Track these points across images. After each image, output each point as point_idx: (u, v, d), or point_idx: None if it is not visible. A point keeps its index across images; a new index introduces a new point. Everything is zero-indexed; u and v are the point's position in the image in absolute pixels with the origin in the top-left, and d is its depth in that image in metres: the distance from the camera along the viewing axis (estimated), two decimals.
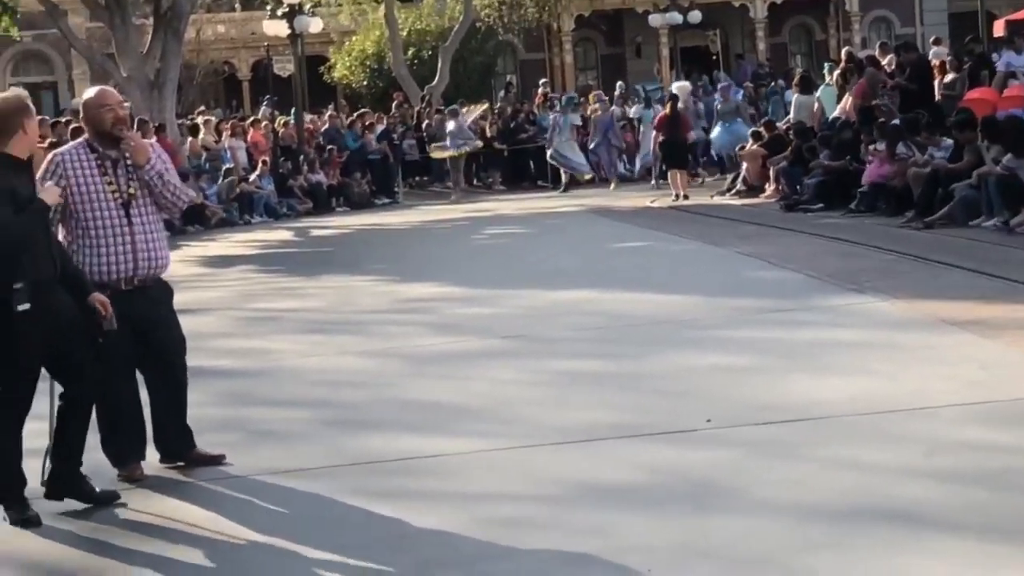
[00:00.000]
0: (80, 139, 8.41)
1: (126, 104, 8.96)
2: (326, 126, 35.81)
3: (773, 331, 11.89)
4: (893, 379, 9.49)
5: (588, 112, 35.43)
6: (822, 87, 27.82)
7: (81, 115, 8.46)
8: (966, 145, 19.49)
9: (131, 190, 8.24)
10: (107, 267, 8.17)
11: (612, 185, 32.45)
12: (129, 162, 8.26)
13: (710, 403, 9.11)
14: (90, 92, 8.49)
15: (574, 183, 33.05)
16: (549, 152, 33.34)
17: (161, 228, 8.58)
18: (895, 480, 7.18)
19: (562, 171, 33.41)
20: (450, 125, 33.64)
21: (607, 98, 36.40)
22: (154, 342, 8.38)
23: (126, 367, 8.25)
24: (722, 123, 31.68)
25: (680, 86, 33.90)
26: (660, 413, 9.04)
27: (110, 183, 8.21)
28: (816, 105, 26.81)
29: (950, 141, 20.19)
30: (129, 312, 8.02)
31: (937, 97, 23.67)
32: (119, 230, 8.19)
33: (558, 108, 34.38)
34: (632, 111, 36.67)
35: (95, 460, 8.14)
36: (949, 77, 24.01)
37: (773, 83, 38.80)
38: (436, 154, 34.67)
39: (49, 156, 8.31)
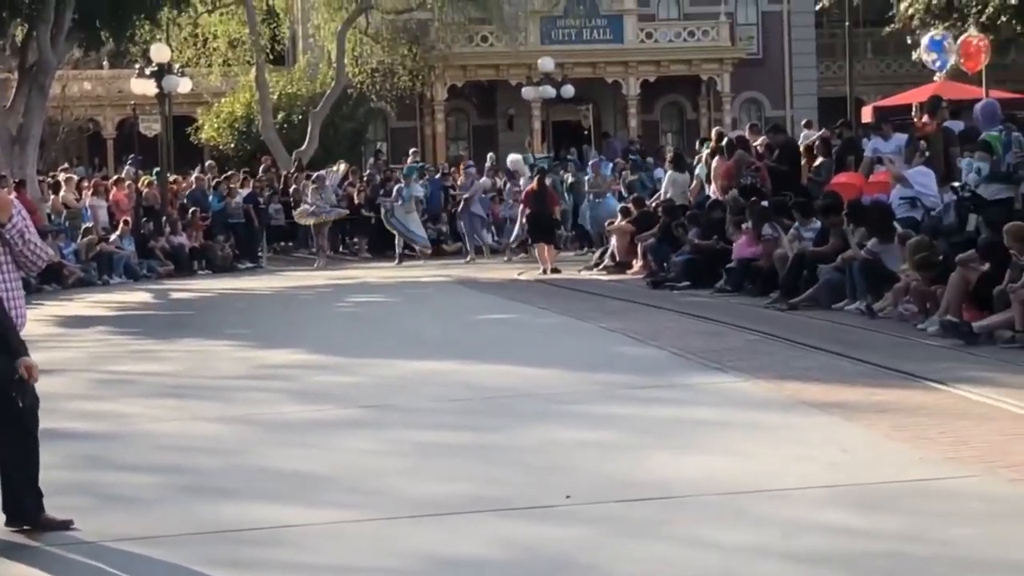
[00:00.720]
0: None
1: None
2: (192, 188, 35.45)
3: (636, 408, 11.85)
4: (753, 459, 9.46)
5: (457, 181, 35.46)
6: (700, 165, 28.06)
7: None
8: (832, 228, 19.73)
9: None
10: None
11: (468, 257, 32.33)
12: None
13: (571, 478, 9.01)
14: None
15: (408, 256, 32.78)
16: (387, 218, 32.96)
17: (20, 286, 8.34)
18: (753, 561, 7.13)
19: (397, 242, 33.10)
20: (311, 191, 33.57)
21: (475, 168, 36.40)
22: (7, 400, 8.10)
23: None
24: (591, 197, 31.82)
25: (513, 159, 34.01)
26: (520, 487, 8.93)
27: None
28: (696, 182, 27.01)
29: (818, 223, 20.43)
30: None
31: (804, 180, 24.00)
32: None
33: (400, 177, 34.16)
34: (501, 183, 36.74)
35: None
36: (819, 161, 24.32)
37: (642, 159, 39.12)
38: (302, 220, 34.43)
39: None
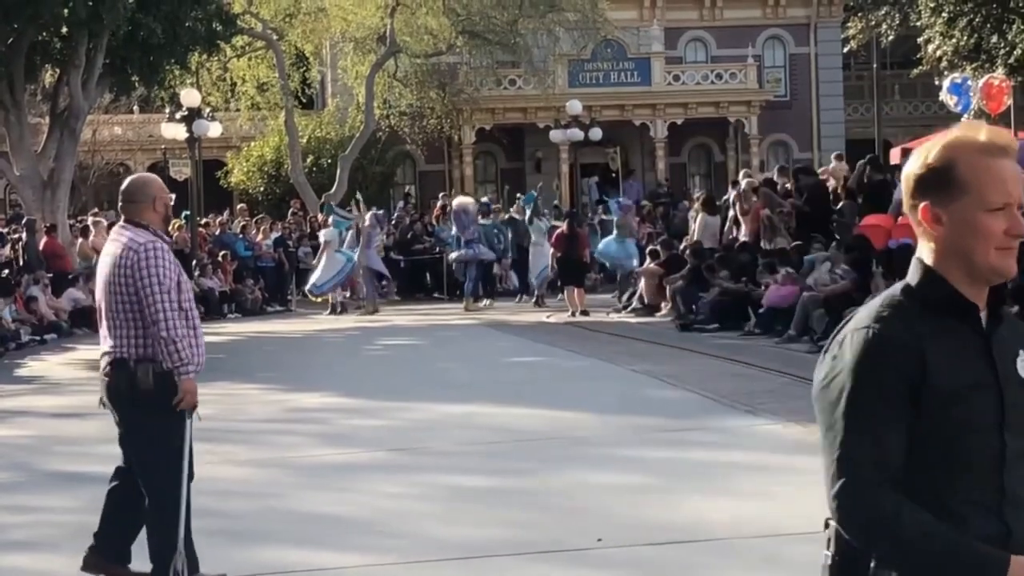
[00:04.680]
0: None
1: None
2: (218, 231, 35.58)
3: (666, 451, 11.84)
4: (785, 502, 9.44)
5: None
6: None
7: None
8: (858, 269, 19.74)
9: None
10: None
11: (465, 304, 31.19)
12: None
13: (601, 522, 9.01)
14: None
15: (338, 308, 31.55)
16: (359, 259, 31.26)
17: None
18: None
19: (333, 295, 31.78)
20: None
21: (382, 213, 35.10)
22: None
23: None
24: (616, 236, 31.61)
25: (460, 202, 32.98)
26: (549, 530, 8.92)
27: None
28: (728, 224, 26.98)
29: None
30: None
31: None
32: None
33: (368, 220, 32.01)
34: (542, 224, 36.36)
35: None
36: (842, 203, 24.34)
37: (671, 200, 39.04)
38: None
39: None
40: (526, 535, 8.84)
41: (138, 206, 7.72)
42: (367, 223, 31.45)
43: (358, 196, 34.50)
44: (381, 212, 34.53)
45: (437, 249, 35.22)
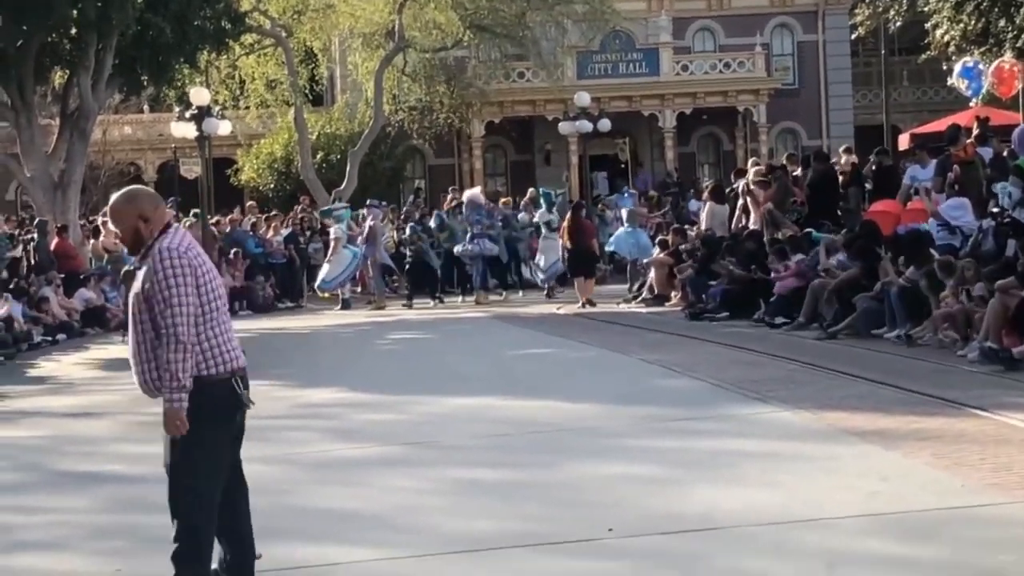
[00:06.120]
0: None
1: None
2: (228, 228, 35.62)
3: (677, 440, 11.85)
4: (795, 489, 9.46)
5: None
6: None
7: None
8: (866, 256, 19.71)
9: None
10: None
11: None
12: None
13: (613, 512, 9.03)
14: None
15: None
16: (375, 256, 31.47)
17: None
18: None
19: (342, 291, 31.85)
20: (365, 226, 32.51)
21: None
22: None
23: None
24: (628, 226, 31.54)
25: (471, 194, 33.07)
26: (561, 522, 8.94)
27: None
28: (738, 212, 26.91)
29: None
30: None
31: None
32: None
33: (370, 215, 31.89)
34: (536, 216, 36.47)
35: None
36: (849, 189, 24.35)
37: (680, 190, 39.04)
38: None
39: None
40: (537, 527, 8.86)
41: None
42: (370, 220, 31.48)
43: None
44: (377, 201, 34.32)
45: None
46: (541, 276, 31.27)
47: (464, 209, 32.38)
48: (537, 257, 31.39)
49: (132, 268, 7.07)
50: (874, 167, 24.90)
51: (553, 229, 30.95)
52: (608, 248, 31.66)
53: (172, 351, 6.76)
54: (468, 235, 31.46)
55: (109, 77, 32.40)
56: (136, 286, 6.98)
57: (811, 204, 24.28)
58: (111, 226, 7.28)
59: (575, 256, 28.69)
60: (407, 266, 32.35)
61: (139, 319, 6.94)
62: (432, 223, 33.81)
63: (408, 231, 32.86)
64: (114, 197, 7.21)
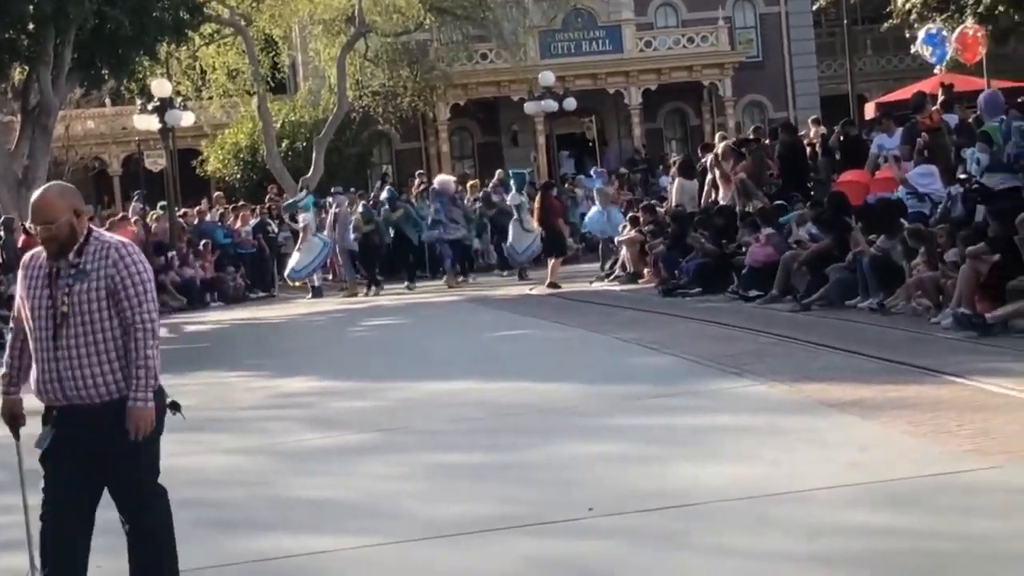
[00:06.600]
0: None
1: None
2: (196, 220, 35.47)
3: (654, 417, 11.84)
4: (774, 463, 9.45)
5: (469, 199, 35.19)
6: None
7: None
8: (836, 226, 19.73)
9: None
10: None
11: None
12: None
13: (592, 491, 9.01)
14: None
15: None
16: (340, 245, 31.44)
17: None
18: (779, 565, 7.12)
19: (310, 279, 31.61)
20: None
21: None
22: None
23: None
24: (600, 206, 31.52)
25: (439, 180, 33.09)
26: (542, 503, 8.92)
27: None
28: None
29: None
30: None
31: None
32: None
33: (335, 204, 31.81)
34: (509, 199, 36.40)
35: None
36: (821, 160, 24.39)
37: (648, 166, 39.09)
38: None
39: None
40: (517, 509, 8.83)
41: None
42: (335, 207, 31.43)
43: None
44: (341, 188, 34.19)
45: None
46: (518, 258, 31.13)
47: (432, 195, 32.38)
48: (511, 238, 31.27)
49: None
50: (840, 138, 24.89)
51: (526, 209, 30.86)
52: (584, 230, 31.72)
53: (151, 347, 6.69)
54: (429, 220, 31.52)
55: (69, 72, 32.20)
56: (83, 285, 6.73)
57: (781, 176, 24.31)
58: (34, 221, 6.94)
59: (544, 236, 28.63)
60: (358, 250, 32.20)
61: (95, 317, 6.74)
62: (384, 195, 33.66)
63: (360, 209, 32.57)
64: (43, 192, 6.99)
